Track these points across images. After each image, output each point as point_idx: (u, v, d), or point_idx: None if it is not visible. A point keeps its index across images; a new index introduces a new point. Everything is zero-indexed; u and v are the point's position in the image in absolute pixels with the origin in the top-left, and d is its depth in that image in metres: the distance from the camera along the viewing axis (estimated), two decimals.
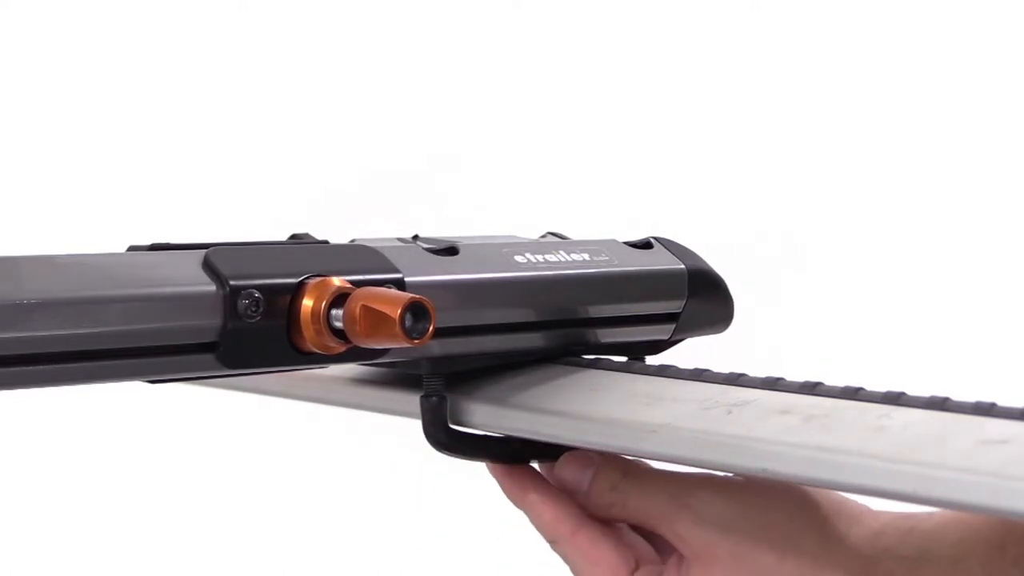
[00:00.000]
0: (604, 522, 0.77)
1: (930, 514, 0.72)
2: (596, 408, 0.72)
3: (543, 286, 0.75)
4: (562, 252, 0.77)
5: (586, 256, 0.78)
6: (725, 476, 0.73)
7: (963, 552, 0.69)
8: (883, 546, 0.69)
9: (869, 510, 0.73)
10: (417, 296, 0.64)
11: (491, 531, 1.60)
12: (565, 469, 0.77)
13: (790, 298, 1.78)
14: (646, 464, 0.77)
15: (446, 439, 0.75)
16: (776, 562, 0.69)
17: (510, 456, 0.78)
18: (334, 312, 0.64)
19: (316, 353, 0.65)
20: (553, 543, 0.77)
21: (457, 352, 0.73)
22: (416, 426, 0.76)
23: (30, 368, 0.58)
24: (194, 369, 0.64)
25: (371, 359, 0.70)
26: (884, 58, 1.79)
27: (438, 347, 0.72)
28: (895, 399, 0.65)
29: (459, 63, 1.88)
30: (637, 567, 0.75)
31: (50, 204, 1.83)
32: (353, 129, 1.88)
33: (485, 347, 0.74)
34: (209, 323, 0.63)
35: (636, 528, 0.79)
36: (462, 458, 0.77)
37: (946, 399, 0.63)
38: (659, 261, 0.81)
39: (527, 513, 0.78)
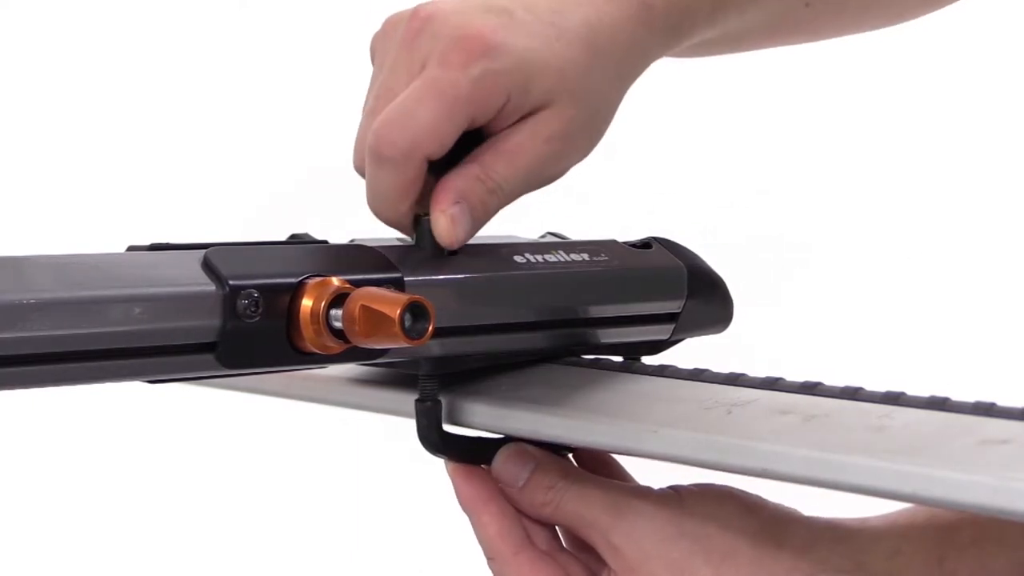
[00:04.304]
0: (542, 552, 0.74)
1: (863, 521, 0.71)
2: (596, 408, 0.72)
3: (543, 286, 0.75)
4: (562, 252, 0.77)
5: (586, 256, 0.78)
6: (661, 490, 0.73)
7: (900, 566, 0.69)
8: (818, 557, 0.69)
9: (802, 518, 0.72)
10: (416, 296, 0.64)
11: None
12: (503, 463, 0.75)
13: (790, 298, 1.78)
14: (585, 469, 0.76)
15: (440, 442, 0.75)
16: (711, 575, 0.69)
17: None
18: (333, 312, 0.64)
19: (315, 353, 0.65)
20: (491, 560, 0.75)
21: (456, 352, 0.73)
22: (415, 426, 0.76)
23: (30, 368, 0.58)
24: (193, 369, 0.64)
25: (370, 359, 0.70)
26: (884, 57, 1.79)
27: (437, 347, 0.71)
28: (895, 399, 0.65)
29: None
30: None
31: (50, 204, 1.83)
32: (353, 129, 1.87)
33: (485, 347, 0.74)
34: (208, 323, 0.62)
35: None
36: (457, 461, 0.76)
37: (946, 399, 0.63)
38: (659, 261, 0.81)
39: (472, 522, 0.75)
